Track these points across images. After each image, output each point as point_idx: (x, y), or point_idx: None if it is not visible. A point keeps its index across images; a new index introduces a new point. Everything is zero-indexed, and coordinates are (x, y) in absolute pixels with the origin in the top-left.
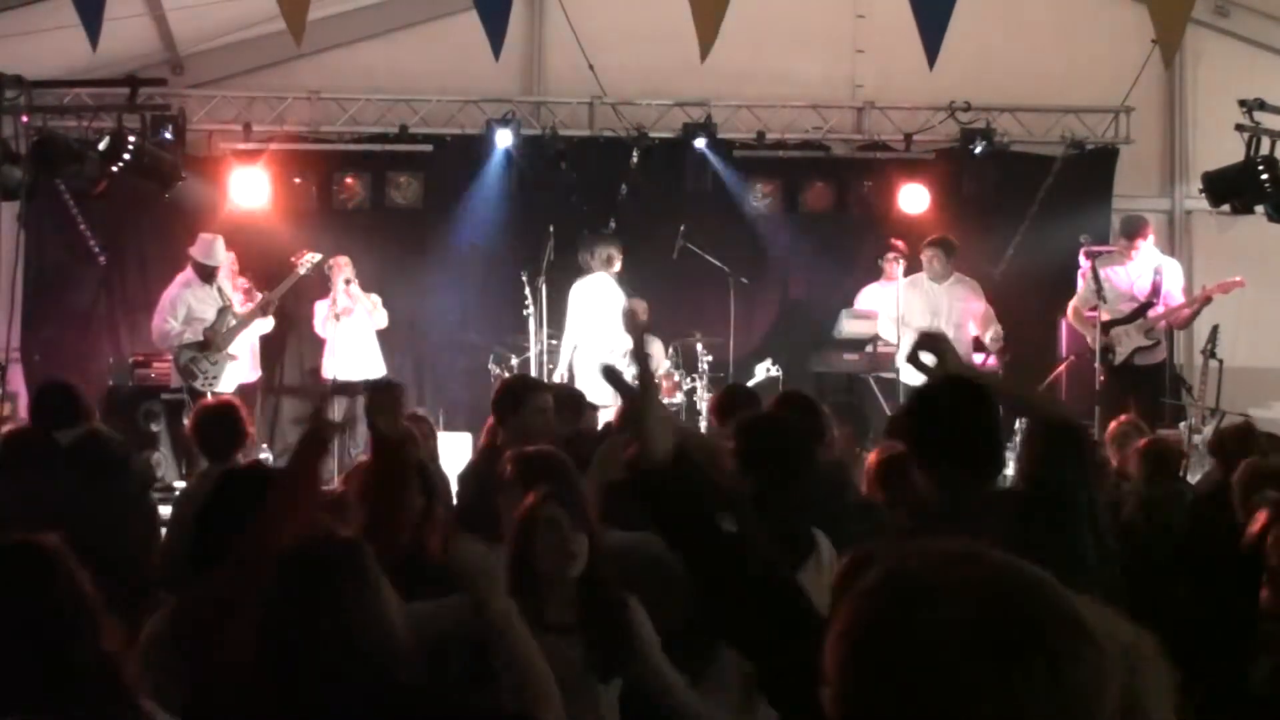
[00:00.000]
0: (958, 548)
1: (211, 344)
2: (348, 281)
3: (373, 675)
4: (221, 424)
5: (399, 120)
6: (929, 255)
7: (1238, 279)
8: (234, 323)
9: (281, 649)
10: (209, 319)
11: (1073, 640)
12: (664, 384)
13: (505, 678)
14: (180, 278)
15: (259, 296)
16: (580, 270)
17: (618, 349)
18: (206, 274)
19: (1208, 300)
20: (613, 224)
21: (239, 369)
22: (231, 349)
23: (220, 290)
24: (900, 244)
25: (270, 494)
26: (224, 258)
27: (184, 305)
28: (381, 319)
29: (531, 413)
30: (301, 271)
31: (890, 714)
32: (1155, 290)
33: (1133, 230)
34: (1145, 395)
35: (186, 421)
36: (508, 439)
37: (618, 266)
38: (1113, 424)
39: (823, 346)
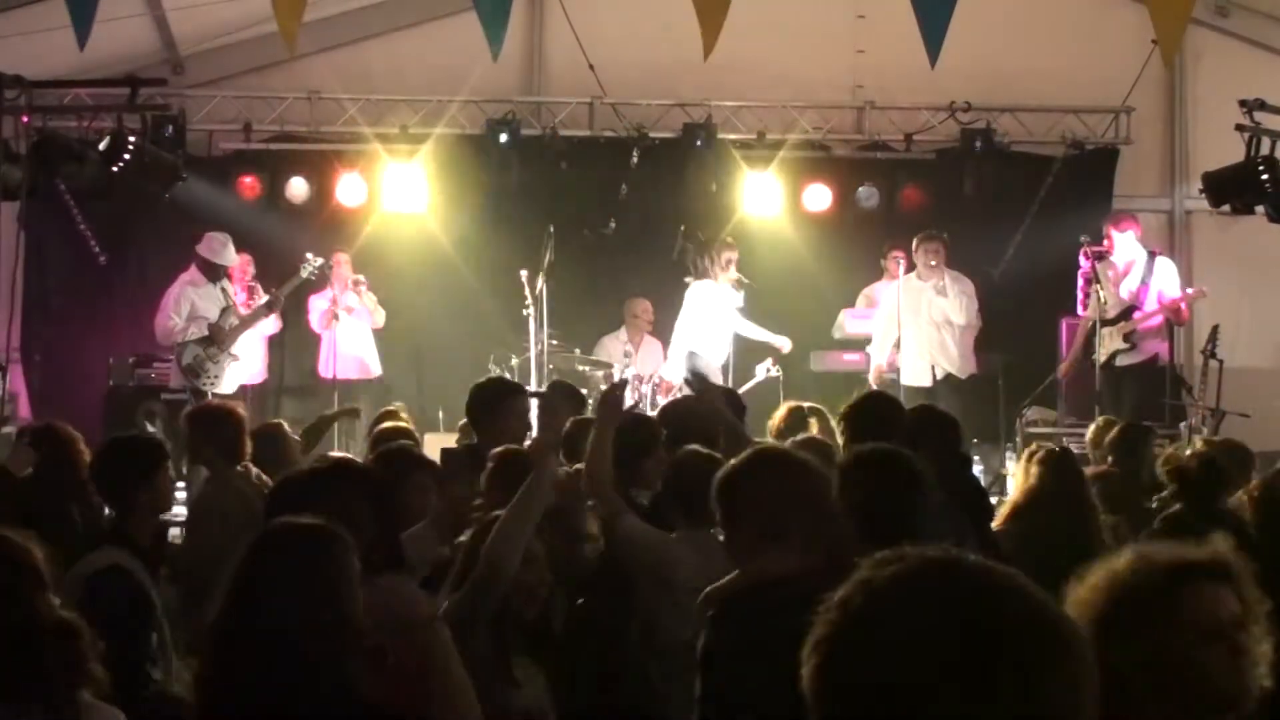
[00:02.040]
0: (937, 555)
1: (216, 340)
2: (357, 282)
3: (311, 669)
4: (227, 428)
5: (399, 120)
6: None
7: (1203, 289)
8: (236, 322)
9: (234, 623)
10: (213, 318)
11: (1046, 651)
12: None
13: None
14: (184, 276)
15: (262, 296)
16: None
17: (720, 354)
18: (213, 273)
19: (1176, 309)
20: (613, 224)
21: (242, 369)
22: (235, 349)
23: (224, 290)
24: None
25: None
26: (234, 259)
27: (187, 302)
28: (380, 317)
29: (510, 417)
30: (304, 274)
31: None
32: (1143, 292)
33: (1110, 221)
34: (1134, 395)
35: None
36: (484, 444)
37: (733, 272)
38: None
39: (823, 346)
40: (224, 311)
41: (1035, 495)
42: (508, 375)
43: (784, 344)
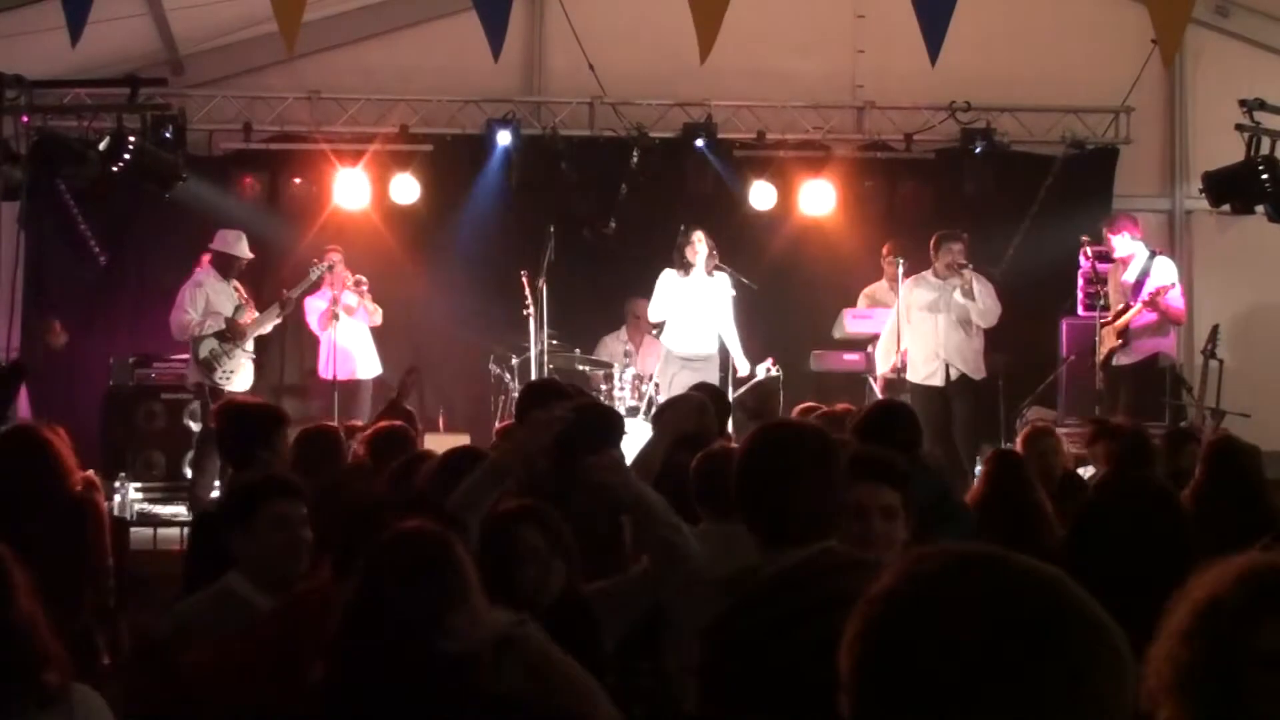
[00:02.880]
0: (977, 551)
1: (234, 335)
2: (359, 281)
3: (447, 670)
4: (253, 425)
5: (399, 120)
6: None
7: (1167, 284)
8: (250, 320)
9: (366, 631)
10: (227, 313)
11: (1094, 649)
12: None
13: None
14: (198, 272)
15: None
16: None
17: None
18: (228, 267)
19: (1153, 303)
20: (613, 224)
21: (248, 370)
22: (248, 347)
23: (237, 287)
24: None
25: None
26: (248, 252)
27: (203, 298)
28: (378, 316)
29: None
30: (313, 276)
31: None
32: (1138, 290)
33: (1106, 223)
34: (1129, 394)
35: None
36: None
37: (690, 258)
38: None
39: (823, 346)
40: (238, 308)
41: (979, 500)
42: (507, 375)
43: (742, 368)
